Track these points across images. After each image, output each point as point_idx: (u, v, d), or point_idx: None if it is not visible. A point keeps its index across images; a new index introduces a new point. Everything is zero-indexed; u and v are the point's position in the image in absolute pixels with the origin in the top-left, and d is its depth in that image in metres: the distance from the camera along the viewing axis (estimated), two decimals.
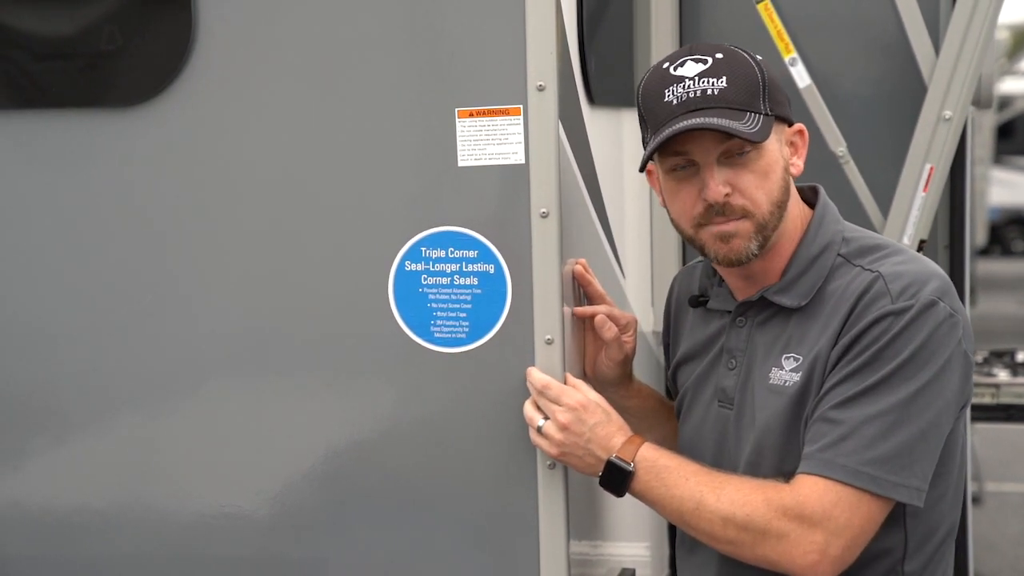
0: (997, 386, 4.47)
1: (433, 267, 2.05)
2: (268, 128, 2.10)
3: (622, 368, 2.19)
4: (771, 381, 1.98)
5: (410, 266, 2.06)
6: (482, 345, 2.04)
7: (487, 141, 2.00)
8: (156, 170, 2.14)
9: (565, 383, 2.00)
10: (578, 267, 2.13)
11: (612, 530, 2.51)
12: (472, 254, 2.03)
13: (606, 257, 2.50)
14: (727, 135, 1.89)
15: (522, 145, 1.99)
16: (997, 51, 3.30)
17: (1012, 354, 4.94)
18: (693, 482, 1.92)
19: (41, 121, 2.17)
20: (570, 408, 1.96)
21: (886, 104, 3.01)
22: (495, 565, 2.08)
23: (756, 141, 1.90)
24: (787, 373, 1.96)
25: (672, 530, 2.53)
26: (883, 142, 2.98)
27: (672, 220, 2.03)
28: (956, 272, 3.06)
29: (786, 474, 1.94)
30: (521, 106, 1.98)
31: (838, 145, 2.93)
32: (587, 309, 2.14)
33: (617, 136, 2.66)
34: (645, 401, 2.28)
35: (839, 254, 1.99)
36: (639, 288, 2.86)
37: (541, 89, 1.97)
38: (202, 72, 2.10)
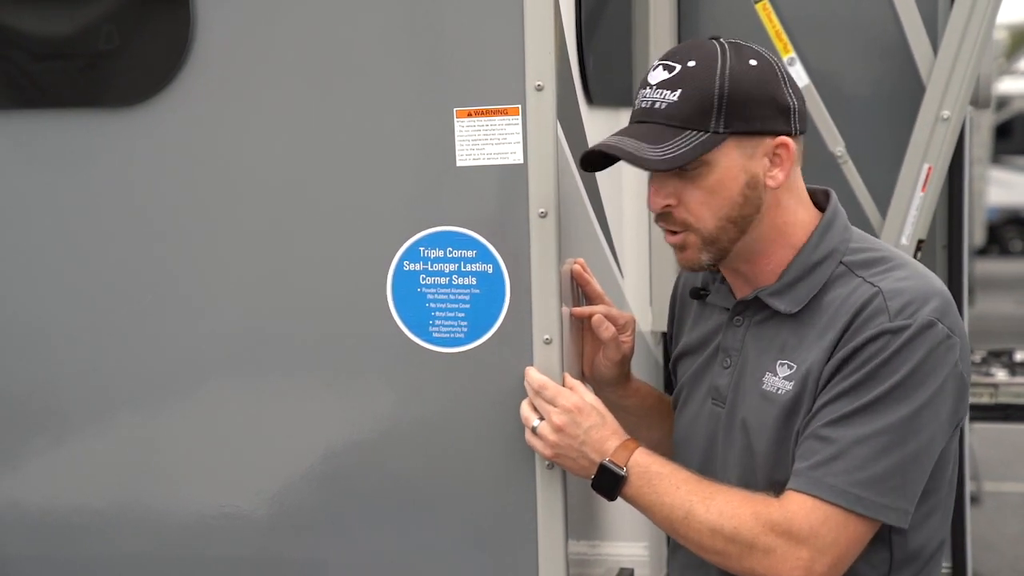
0: (995, 386, 4.46)
1: (432, 267, 2.05)
2: (267, 128, 2.10)
3: (620, 368, 2.19)
4: (764, 387, 1.98)
5: (408, 266, 2.06)
6: (480, 345, 2.04)
7: (485, 141, 2.00)
8: (155, 170, 2.14)
9: (563, 384, 2.00)
10: (576, 267, 2.13)
11: (610, 530, 2.51)
12: (470, 254, 2.03)
13: (604, 257, 2.50)
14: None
15: (520, 145, 1.99)
16: (995, 51, 3.31)
17: (1010, 354, 4.94)
18: (684, 491, 1.92)
19: (40, 121, 2.17)
20: (566, 410, 1.96)
21: (884, 104, 3.01)
22: (494, 565, 2.08)
23: (660, 169, 1.90)
24: (780, 380, 1.96)
25: None
26: (881, 142, 2.98)
27: None
28: (954, 272, 3.06)
29: (778, 483, 1.94)
30: (519, 106, 1.98)
31: (836, 145, 2.93)
32: (585, 309, 2.13)
33: None
34: (643, 400, 2.27)
35: (842, 262, 1.98)
36: (637, 288, 2.86)
37: (539, 89, 1.97)
38: (201, 72, 2.10)
